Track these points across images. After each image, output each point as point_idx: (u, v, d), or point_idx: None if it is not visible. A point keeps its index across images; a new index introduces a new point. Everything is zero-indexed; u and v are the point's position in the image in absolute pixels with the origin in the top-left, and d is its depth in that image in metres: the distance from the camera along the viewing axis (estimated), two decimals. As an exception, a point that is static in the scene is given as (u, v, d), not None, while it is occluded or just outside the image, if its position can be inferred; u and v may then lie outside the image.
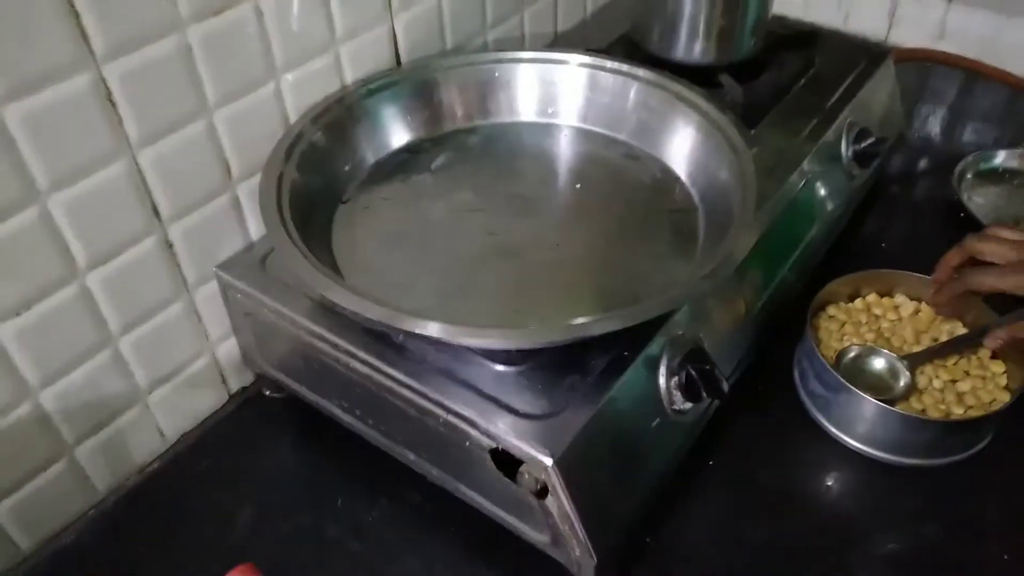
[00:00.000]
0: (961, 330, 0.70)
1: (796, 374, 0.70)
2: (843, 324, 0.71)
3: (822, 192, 0.78)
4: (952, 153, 0.94)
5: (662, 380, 0.58)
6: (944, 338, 0.69)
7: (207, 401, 0.69)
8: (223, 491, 0.64)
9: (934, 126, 1.04)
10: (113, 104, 0.52)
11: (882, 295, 0.73)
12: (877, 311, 0.71)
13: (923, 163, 0.98)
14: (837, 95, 0.82)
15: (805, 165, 0.74)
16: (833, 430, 0.66)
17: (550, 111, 0.73)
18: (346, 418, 0.63)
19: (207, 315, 0.65)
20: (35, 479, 0.57)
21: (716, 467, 0.65)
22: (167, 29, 0.53)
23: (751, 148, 0.62)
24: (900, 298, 0.72)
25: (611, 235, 0.63)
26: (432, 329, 0.48)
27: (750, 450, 0.66)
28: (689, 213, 0.64)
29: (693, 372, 0.58)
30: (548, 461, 0.50)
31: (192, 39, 0.55)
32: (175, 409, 0.66)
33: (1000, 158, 0.94)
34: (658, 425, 0.58)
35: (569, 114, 0.73)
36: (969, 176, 0.92)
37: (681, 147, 0.68)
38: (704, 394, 0.58)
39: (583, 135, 0.72)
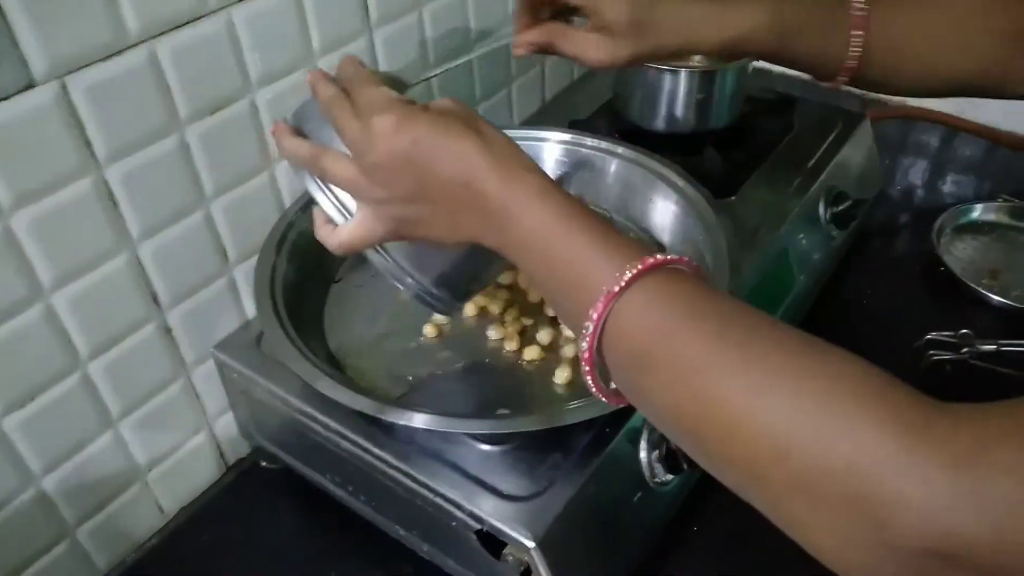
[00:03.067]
0: None
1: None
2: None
3: (802, 253, 0.80)
4: (933, 206, 0.97)
5: (643, 454, 0.60)
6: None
7: (205, 474, 0.71)
8: (221, 563, 0.66)
9: (916, 179, 1.07)
10: (115, 203, 0.55)
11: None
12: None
13: (904, 217, 1.01)
14: (815, 159, 0.85)
15: (785, 228, 0.76)
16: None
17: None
18: (339, 492, 0.65)
19: (205, 392, 0.67)
20: (37, 562, 0.59)
21: (700, 532, 0.67)
22: (166, 131, 0.56)
23: (722, 224, 0.64)
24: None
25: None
26: (412, 419, 0.51)
27: (735, 514, 0.68)
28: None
29: (673, 445, 0.60)
30: (530, 544, 0.52)
31: (190, 138, 0.58)
32: (174, 484, 0.68)
33: (978, 211, 0.96)
34: (640, 498, 0.60)
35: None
36: (948, 230, 0.94)
37: (663, 220, 0.70)
38: (684, 466, 0.60)
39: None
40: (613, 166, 0.73)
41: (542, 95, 0.96)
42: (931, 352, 0.79)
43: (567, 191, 0.43)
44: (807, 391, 0.33)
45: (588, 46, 0.56)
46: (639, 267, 0.38)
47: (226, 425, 0.71)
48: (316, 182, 0.48)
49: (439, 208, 0.44)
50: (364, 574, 0.65)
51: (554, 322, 0.64)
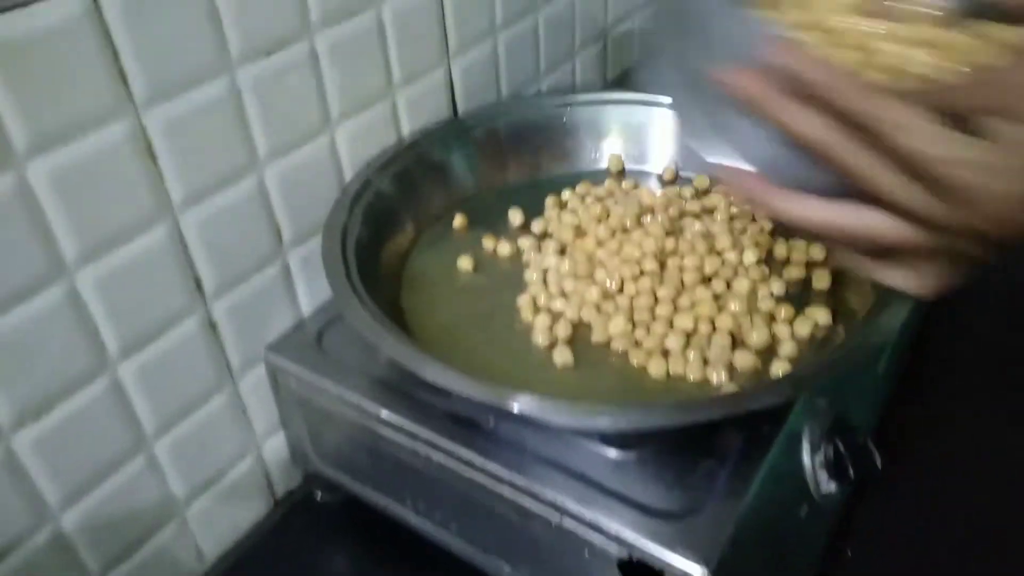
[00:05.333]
0: None
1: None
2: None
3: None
4: None
5: (806, 458, 0.49)
6: None
7: (251, 511, 0.58)
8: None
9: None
10: (154, 158, 0.44)
11: None
12: None
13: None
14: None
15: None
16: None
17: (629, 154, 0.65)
18: (421, 523, 0.53)
19: (253, 406, 0.55)
20: (53, 622, 0.47)
21: (856, 556, 0.55)
22: (216, 71, 0.46)
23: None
24: None
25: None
26: (563, 414, 0.39)
27: (888, 532, 0.56)
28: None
29: (840, 446, 0.49)
30: (701, 572, 0.40)
31: (242, 82, 0.47)
32: (215, 522, 0.55)
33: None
34: (807, 513, 0.49)
35: (656, 160, 0.65)
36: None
37: None
38: (851, 473, 0.49)
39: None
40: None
41: (604, 73, 0.86)
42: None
43: None
44: None
45: None
46: None
47: (275, 449, 0.58)
48: None
49: None
50: (454, 627, 0.52)
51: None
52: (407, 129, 0.61)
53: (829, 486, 0.49)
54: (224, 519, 0.56)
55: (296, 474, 0.61)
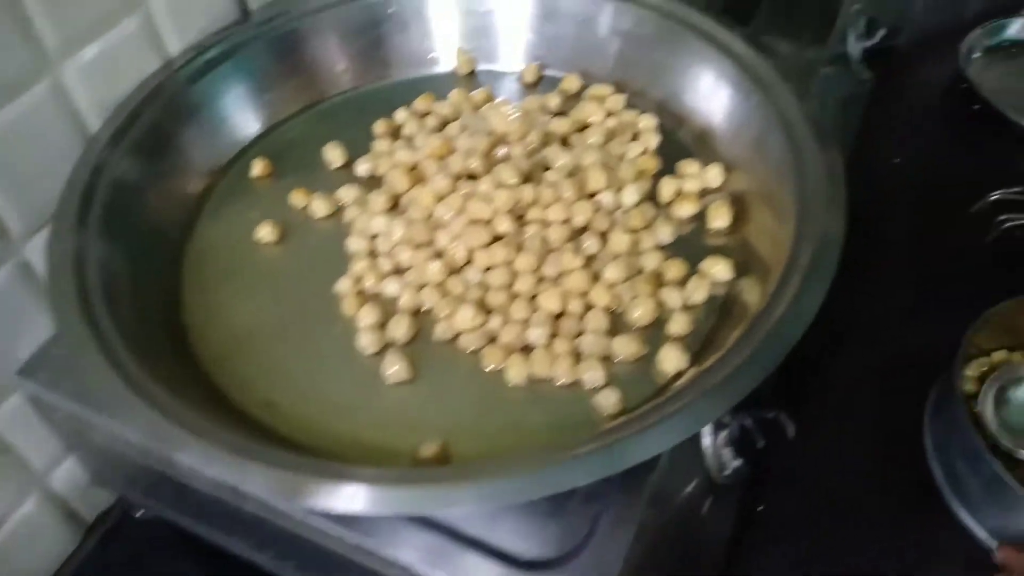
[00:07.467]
0: None
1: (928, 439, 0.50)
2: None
3: (836, 110, 0.60)
4: (951, 28, 0.77)
5: (707, 440, 0.40)
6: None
7: (52, 550, 0.48)
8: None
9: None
10: None
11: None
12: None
13: (917, 40, 0.81)
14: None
15: (820, 77, 0.55)
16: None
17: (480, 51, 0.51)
18: (254, 557, 0.43)
19: (21, 441, 0.43)
20: None
21: (767, 512, 0.49)
22: None
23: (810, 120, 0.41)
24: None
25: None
26: (382, 502, 0.29)
27: (799, 486, 0.50)
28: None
29: (750, 423, 0.41)
30: (587, 640, 0.32)
31: None
32: (3, 577, 0.45)
33: (1014, 28, 0.77)
34: (711, 505, 0.41)
35: (514, 58, 0.51)
36: (977, 54, 0.76)
37: (703, 106, 0.46)
38: (760, 444, 0.41)
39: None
40: (607, 16, 0.48)
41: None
42: (1003, 218, 0.62)
43: None
44: None
45: None
46: None
47: (68, 474, 0.47)
48: None
49: None
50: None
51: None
52: (175, 46, 0.45)
53: (735, 463, 0.42)
54: (16, 569, 0.46)
55: (105, 493, 0.50)
